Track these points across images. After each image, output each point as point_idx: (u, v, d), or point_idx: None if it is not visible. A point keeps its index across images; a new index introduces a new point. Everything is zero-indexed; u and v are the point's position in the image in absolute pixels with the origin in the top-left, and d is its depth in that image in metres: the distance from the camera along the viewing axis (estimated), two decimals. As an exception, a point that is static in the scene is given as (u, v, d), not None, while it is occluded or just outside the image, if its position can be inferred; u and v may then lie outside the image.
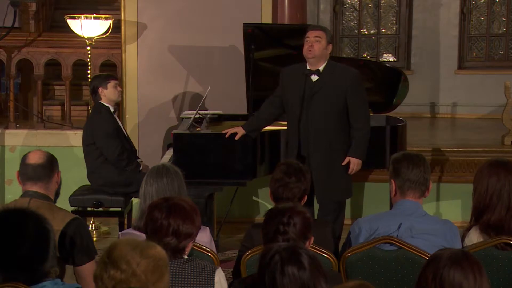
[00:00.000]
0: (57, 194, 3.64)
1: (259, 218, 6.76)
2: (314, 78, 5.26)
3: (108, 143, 5.91)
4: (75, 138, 7.16)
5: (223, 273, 3.14)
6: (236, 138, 5.48)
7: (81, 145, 6.18)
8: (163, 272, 2.43)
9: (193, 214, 3.08)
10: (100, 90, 5.98)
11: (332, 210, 5.30)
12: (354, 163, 5.25)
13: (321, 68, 5.25)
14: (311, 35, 5.21)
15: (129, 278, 2.36)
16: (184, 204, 3.08)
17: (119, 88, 6.09)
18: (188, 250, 3.09)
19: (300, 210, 3.07)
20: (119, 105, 6.45)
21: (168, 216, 3.03)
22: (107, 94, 6.00)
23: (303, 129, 5.25)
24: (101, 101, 6.00)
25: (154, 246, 2.47)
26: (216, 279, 3.07)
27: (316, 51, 5.19)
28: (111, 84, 6.01)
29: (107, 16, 7.00)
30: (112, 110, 6.03)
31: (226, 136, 5.51)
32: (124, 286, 2.36)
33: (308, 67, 5.27)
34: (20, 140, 7.27)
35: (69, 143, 7.19)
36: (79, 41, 7.12)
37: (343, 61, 6.16)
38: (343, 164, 5.25)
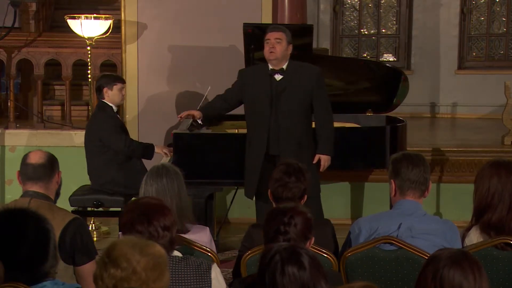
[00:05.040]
0: (57, 194, 3.64)
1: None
2: (278, 77, 5.34)
3: (116, 137, 5.91)
4: (75, 138, 7.17)
5: (218, 269, 3.14)
6: (193, 118, 5.54)
7: (81, 145, 6.17)
8: (163, 270, 2.42)
9: (163, 204, 3.07)
10: (105, 90, 6.00)
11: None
12: (325, 160, 5.34)
13: (284, 66, 5.33)
14: (272, 37, 5.30)
15: (129, 276, 2.36)
16: (151, 201, 3.08)
17: (123, 92, 6.11)
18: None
19: (301, 210, 3.06)
20: (119, 105, 6.44)
21: (149, 223, 2.97)
22: (111, 96, 6.02)
23: (273, 128, 5.31)
24: (104, 100, 6.02)
25: (153, 244, 2.47)
26: (213, 275, 3.07)
27: (278, 52, 5.28)
28: (117, 86, 6.03)
29: (107, 16, 7.00)
30: (115, 110, 6.06)
31: (181, 117, 5.56)
32: (124, 284, 2.35)
33: (270, 67, 5.33)
34: (20, 140, 7.27)
35: (69, 143, 7.19)
36: (79, 41, 7.12)
37: (344, 61, 6.17)
38: (314, 162, 5.30)
